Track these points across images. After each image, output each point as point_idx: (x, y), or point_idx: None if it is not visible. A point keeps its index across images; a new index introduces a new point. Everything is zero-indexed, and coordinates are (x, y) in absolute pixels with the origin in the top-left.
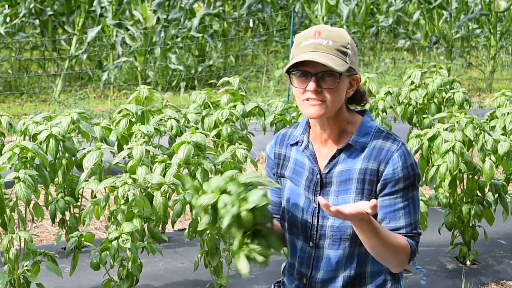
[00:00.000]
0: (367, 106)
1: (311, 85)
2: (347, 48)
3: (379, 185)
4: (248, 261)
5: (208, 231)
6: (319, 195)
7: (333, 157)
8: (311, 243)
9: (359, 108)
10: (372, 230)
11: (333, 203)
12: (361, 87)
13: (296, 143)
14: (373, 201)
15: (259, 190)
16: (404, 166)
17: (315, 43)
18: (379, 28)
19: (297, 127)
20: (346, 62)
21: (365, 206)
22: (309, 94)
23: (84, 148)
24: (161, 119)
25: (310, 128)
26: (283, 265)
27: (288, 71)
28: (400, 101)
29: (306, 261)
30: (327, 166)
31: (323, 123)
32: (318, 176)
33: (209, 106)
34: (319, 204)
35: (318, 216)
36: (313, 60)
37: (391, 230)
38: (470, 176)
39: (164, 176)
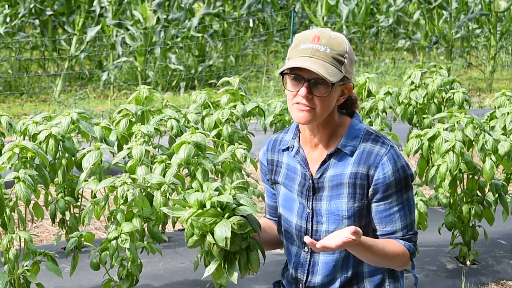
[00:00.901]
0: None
1: (303, 91)
2: (344, 57)
3: (370, 190)
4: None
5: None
6: (312, 200)
7: (324, 162)
8: (306, 248)
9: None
10: (365, 249)
11: (326, 208)
12: (353, 94)
13: (287, 148)
14: (353, 227)
15: (227, 226)
16: (394, 170)
17: (313, 48)
18: (379, 28)
19: (287, 132)
20: (341, 71)
21: (347, 234)
22: (299, 99)
23: (84, 148)
24: (161, 119)
25: (300, 132)
26: (282, 267)
27: (282, 73)
28: (400, 101)
29: (301, 267)
30: (318, 171)
31: (312, 128)
32: (310, 181)
33: (209, 106)
34: (312, 209)
35: (312, 221)
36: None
37: (388, 233)
38: (470, 176)
39: (164, 176)
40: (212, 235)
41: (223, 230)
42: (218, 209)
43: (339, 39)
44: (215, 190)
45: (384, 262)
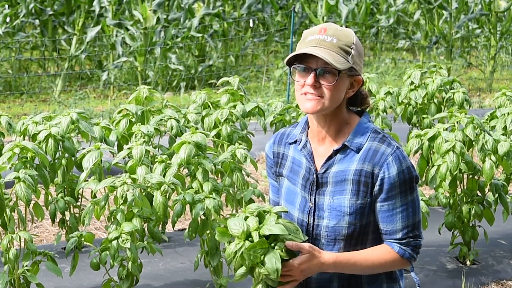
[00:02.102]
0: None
1: (310, 80)
2: (351, 48)
3: (375, 189)
4: None
5: (208, 232)
6: (315, 195)
7: (330, 157)
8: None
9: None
10: (345, 267)
11: (328, 203)
12: (363, 90)
13: (295, 141)
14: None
15: (276, 256)
16: (399, 170)
17: (319, 39)
18: (379, 28)
19: (296, 126)
20: (348, 61)
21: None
22: (307, 89)
23: (83, 148)
24: (161, 119)
25: (309, 127)
26: None
27: (290, 64)
28: (400, 101)
29: None
30: (323, 166)
31: (320, 120)
32: (314, 175)
33: (209, 106)
34: (315, 203)
35: (314, 215)
36: (315, 55)
37: (387, 233)
38: (470, 176)
39: (164, 176)
40: (263, 265)
41: (273, 262)
42: (264, 238)
43: (346, 32)
44: (257, 215)
45: (373, 270)
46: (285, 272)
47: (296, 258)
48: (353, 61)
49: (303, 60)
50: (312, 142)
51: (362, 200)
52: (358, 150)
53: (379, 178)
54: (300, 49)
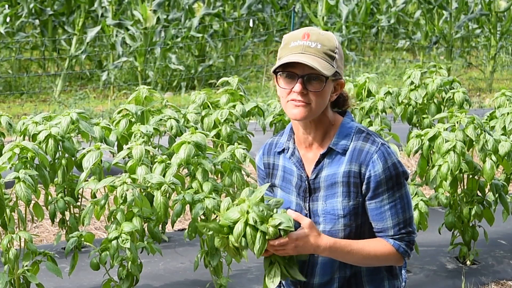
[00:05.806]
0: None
1: (297, 87)
2: (335, 53)
3: (363, 188)
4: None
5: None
6: (309, 201)
7: (318, 162)
8: None
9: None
10: (341, 254)
11: (322, 208)
12: (344, 92)
13: (283, 150)
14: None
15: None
16: (385, 167)
17: (304, 45)
18: (379, 28)
19: (282, 134)
20: (333, 66)
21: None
22: (294, 96)
23: (83, 148)
24: (161, 119)
25: (294, 134)
26: None
27: (275, 71)
28: (400, 101)
29: (300, 267)
30: (313, 172)
31: (306, 127)
32: (306, 182)
33: (208, 106)
34: (309, 210)
35: None
36: (301, 62)
37: (379, 231)
38: (471, 176)
39: (164, 176)
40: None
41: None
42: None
43: (328, 36)
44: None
45: (367, 261)
46: (279, 246)
47: (294, 233)
48: (337, 65)
49: (288, 67)
50: (300, 149)
51: (354, 201)
52: (344, 152)
53: (366, 177)
54: (284, 55)
